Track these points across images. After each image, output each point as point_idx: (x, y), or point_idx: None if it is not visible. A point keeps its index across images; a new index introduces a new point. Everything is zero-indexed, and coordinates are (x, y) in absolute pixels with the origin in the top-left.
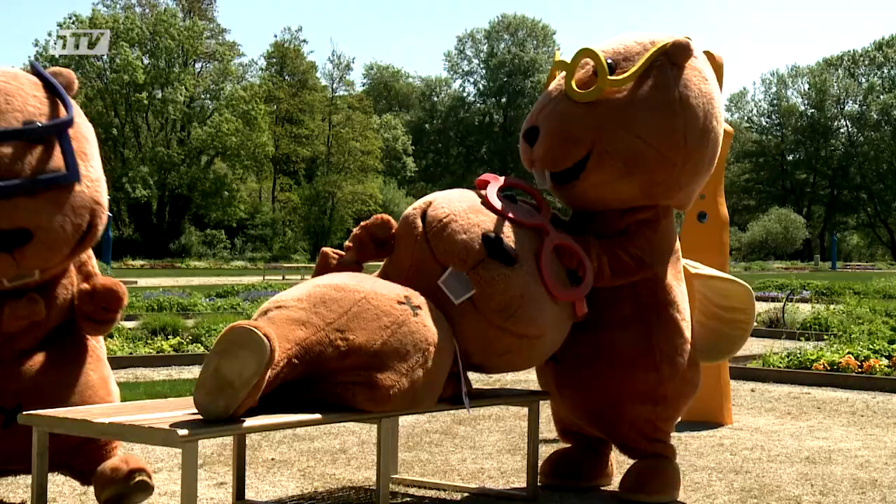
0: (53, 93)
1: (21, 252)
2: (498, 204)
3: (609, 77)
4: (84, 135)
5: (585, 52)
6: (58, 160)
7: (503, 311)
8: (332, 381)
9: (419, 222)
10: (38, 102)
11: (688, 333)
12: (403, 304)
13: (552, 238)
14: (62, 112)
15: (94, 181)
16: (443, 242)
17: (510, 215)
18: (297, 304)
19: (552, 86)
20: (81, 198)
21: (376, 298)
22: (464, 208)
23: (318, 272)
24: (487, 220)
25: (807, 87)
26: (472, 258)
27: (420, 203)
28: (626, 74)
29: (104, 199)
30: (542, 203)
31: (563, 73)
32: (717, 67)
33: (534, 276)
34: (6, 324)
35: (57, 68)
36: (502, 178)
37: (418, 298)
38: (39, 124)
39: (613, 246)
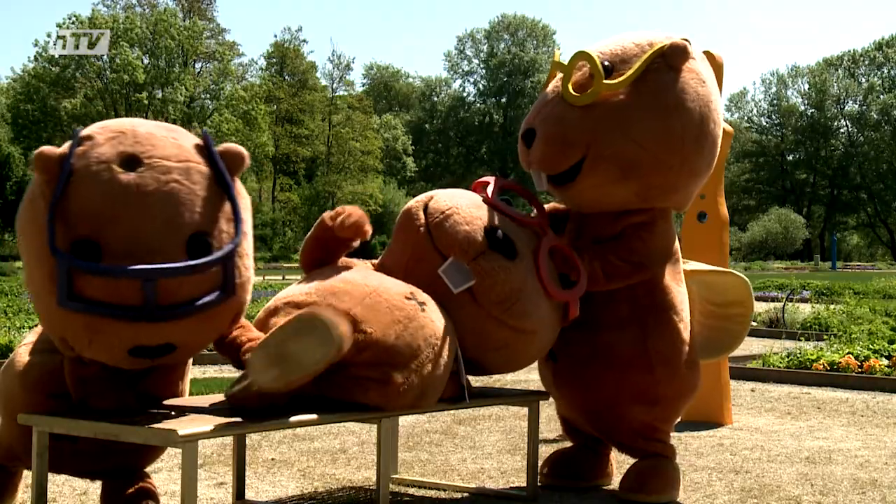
0: (222, 185)
1: (160, 359)
2: (498, 202)
3: (605, 81)
4: (244, 230)
5: (581, 55)
6: (217, 279)
7: (502, 303)
8: (345, 374)
9: (421, 214)
10: (211, 206)
11: (686, 335)
12: (411, 299)
13: (549, 238)
14: (229, 218)
15: (245, 281)
16: (444, 233)
17: (510, 213)
18: (306, 299)
19: (550, 87)
20: (230, 306)
21: (386, 293)
22: (465, 203)
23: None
24: (488, 215)
25: (807, 87)
26: (473, 249)
27: (422, 197)
28: (621, 78)
29: (251, 284)
30: (538, 206)
31: (561, 75)
32: (717, 67)
33: (531, 273)
34: (93, 400)
35: (228, 146)
36: (493, 179)
37: (422, 295)
38: (220, 253)
39: (606, 252)
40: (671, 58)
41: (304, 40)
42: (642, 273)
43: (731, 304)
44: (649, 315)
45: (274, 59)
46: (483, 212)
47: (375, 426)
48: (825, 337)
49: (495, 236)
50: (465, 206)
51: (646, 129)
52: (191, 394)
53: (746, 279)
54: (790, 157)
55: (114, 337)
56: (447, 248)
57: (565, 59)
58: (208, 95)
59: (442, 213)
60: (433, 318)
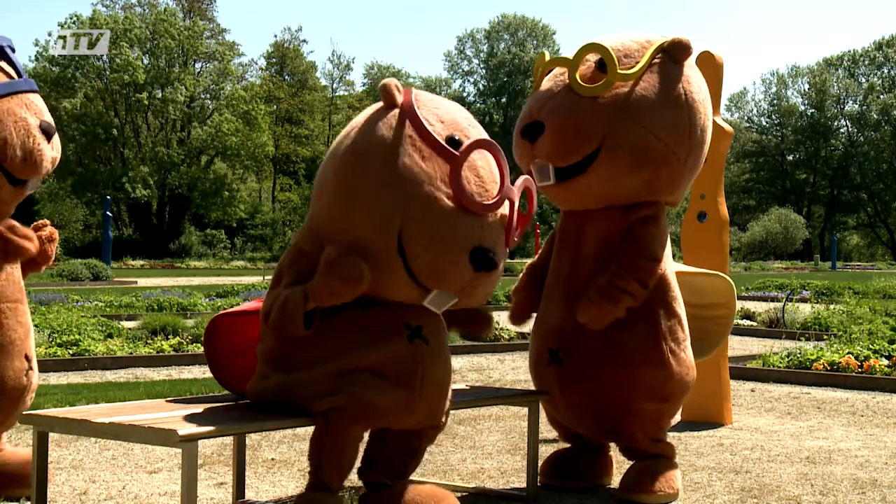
0: None
1: (52, 143)
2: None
3: (619, 71)
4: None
5: (592, 47)
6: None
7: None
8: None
9: (395, 247)
10: None
11: (687, 329)
12: (413, 338)
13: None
14: None
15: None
16: (426, 268)
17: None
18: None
19: (550, 82)
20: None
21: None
22: (447, 222)
23: None
24: (469, 227)
25: (807, 87)
26: (461, 281)
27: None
28: (633, 69)
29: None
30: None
31: (558, 70)
32: (717, 67)
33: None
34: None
35: None
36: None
37: (419, 319)
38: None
39: (630, 258)
40: (675, 52)
41: (304, 40)
42: (658, 268)
43: (712, 305)
44: (657, 308)
45: (274, 59)
46: (464, 228)
47: None
48: (825, 337)
49: (481, 257)
50: (447, 230)
51: (659, 120)
52: (191, 394)
53: (730, 281)
54: (790, 157)
55: None
56: (430, 283)
57: (559, 57)
58: (208, 95)
59: (421, 240)
60: (435, 358)
